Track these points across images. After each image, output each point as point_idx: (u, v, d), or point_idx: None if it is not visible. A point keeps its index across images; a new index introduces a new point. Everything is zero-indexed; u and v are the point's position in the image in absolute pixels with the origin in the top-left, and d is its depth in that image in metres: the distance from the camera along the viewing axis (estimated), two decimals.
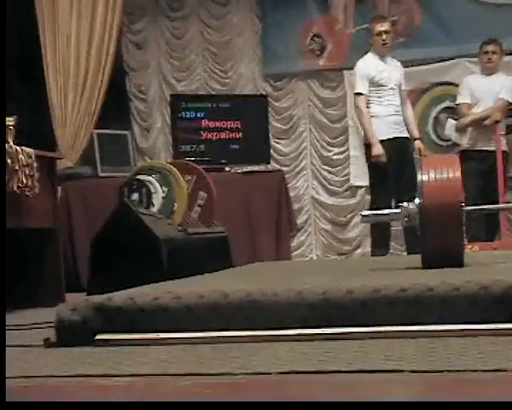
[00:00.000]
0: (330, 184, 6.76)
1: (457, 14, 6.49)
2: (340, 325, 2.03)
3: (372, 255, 5.57)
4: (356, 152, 6.54)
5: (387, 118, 5.52)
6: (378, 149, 5.44)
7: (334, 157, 6.77)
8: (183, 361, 1.79)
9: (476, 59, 6.14)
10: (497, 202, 5.21)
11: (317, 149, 6.85)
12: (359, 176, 6.48)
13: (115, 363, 1.80)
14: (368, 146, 5.53)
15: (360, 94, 5.56)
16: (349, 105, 6.57)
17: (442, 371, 1.56)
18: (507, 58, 5.99)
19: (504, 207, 5.48)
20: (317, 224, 6.81)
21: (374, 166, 5.52)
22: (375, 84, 5.54)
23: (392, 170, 5.43)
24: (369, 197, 6.34)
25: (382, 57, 5.62)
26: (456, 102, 6.10)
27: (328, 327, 2.03)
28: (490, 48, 5.89)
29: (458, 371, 1.55)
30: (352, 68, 6.17)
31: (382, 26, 5.61)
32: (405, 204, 3.11)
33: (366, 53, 5.69)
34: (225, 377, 1.61)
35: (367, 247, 6.39)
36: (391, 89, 5.57)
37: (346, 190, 6.67)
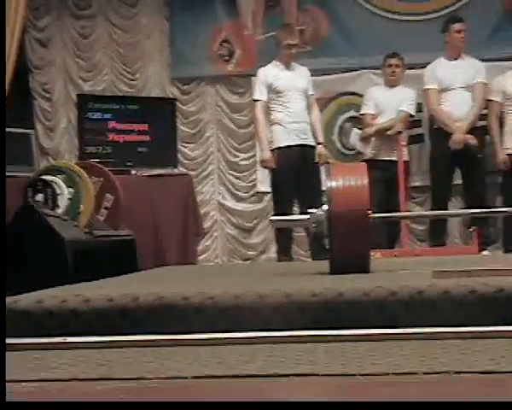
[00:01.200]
0: (236, 189, 6.79)
1: (363, 27, 6.65)
2: (251, 330, 2.04)
3: (278, 261, 5.63)
4: None
5: (289, 125, 5.59)
6: (264, 155, 5.55)
7: (241, 163, 6.80)
8: (93, 366, 1.76)
9: (380, 71, 6.31)
10: (398, 211, 5.35)
11: (224, 154, 6.87)
12: (266, 182, 6.54)
13: (23, 368, 1.75)
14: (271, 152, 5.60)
15: (257, 100, 5.66)
16: None
17: (354, 375, 1.59)
18: (408, 72, 6.18)
19: (411, 215, 5.66)
20: (222, 229, 6.82)
21: (272, 172, 5.61)
22: (274, 90, 5.61)
23: (293, 177, 5.50)
24: None
25: (287, 65, 5.70)
26: (361, 113, 6.25)
27: (239, 331, 2.04)
28: (393, 61, 6.08)
29: (369, 374, 1.59)
30: None
31: (292, 40, 5.70)
32: (313, 210, 3.16)
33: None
34: (137, 381, 1.59)
35: (271, 253, 6.45)
36: (293, 96, 5.64)
37: (253, 196, 6.71)
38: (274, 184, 5.66)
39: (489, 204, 6.03)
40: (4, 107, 6.35)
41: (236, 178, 6.80)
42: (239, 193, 6.78)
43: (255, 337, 2.00)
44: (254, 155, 6.66)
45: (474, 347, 1.80)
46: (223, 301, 2.11)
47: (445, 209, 5.78)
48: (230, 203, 6.77)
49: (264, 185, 6.53)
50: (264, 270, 3.84)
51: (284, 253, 5.64)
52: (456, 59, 5.99)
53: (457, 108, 5.88)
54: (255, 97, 5.68)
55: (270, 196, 6.50)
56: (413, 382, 1.53)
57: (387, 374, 1.57)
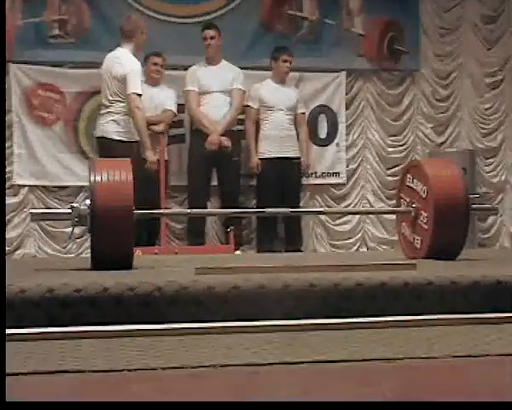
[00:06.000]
0: None
1: None
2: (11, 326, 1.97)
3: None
4: (20, 149, 6.28)
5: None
6: (152, 156, 5.55)
7: None
8: None
9: (142, 68, 6.30)
10: (159, 208, 5.38)
11: None
12: (23, 175, 6.26)
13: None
14: None
15: (140, 95, 5.42)
16: (14, 100, 6.30)
17: (121, 371, 1.59)
18: (169, 72, 6.24)
19: (173, 212, 5.77)
20: None
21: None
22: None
23: None
24: (32, 197, 6.23)
25: None
26: None
27: None
28: (157, 60, 6.10)
29: (137, 369, 1.60)
30: (21, 62, 6.25)
31: None
32: (76, 204, 3.09)
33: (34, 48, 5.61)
34: None
35: (27, 248, 6.21)
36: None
37: (9, 188, 6.36)
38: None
39: (244, 206, 6.28)
40: (4, 105, 5.97)
41: None
42: None
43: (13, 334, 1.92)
44: (11, 146, 6.32)
45: (240, 340, 1.87)
46: None
47: (203, 208, 5.91)
48: None
49: (22, 178, 6.25)
50: (24, 265, 3.69)
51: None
52: (215, 64, 6.16)
53: (215, 111, 6.07)
54: (138, 91, 5.41)
55: (27, 189, 6.26)
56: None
57: (154, 369, 1.59)
